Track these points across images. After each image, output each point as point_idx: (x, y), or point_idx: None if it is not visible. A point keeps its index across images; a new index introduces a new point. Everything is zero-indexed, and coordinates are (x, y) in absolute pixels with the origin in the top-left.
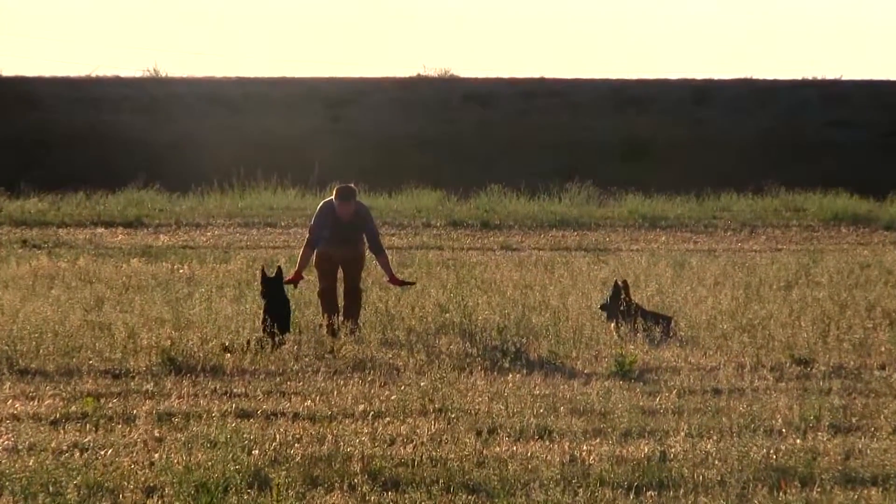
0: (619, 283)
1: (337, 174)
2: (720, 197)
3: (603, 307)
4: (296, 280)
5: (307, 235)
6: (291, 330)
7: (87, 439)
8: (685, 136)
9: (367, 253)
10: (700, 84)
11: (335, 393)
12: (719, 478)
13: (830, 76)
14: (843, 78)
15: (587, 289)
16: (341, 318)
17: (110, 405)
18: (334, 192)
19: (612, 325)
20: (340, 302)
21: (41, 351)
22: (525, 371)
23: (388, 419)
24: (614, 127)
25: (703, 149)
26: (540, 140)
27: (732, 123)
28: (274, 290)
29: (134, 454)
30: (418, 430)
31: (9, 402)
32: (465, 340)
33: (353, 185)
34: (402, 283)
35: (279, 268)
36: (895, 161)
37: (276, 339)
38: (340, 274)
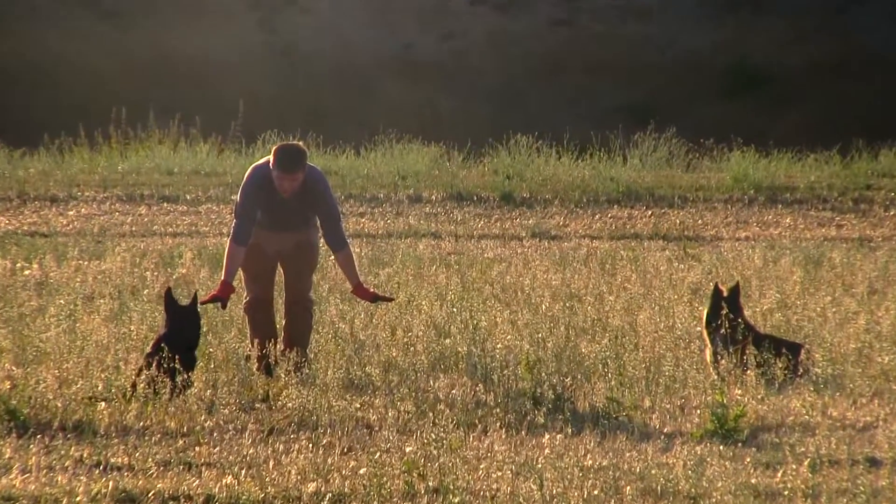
0: (727, 287)
1: (274, 119)
2: (878, 154)
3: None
4: (223, 295)
5: (234, 222)
6: (201, 365)
7: None
8: (824, 59)
9: (322, 245)
10: None
11: (271, 464)
12: None
13: None
14: None
15: (668, 301)
16: (281, 345)
17: None
18: (272, 157)
19: (708, 354)
20: (279, 321)
21: None
22: (570, 430)
23: None
24: (711, 45)
25: (851, 79)
26: (592, 65)
27: None
28: (181, 312)
29: None
30: None
31: None
32: (475, 381)
33: (300, 144)
34: (375, 298)
35: (195, 295)
36: None
37: (179, 379)
38: (280, 277)
